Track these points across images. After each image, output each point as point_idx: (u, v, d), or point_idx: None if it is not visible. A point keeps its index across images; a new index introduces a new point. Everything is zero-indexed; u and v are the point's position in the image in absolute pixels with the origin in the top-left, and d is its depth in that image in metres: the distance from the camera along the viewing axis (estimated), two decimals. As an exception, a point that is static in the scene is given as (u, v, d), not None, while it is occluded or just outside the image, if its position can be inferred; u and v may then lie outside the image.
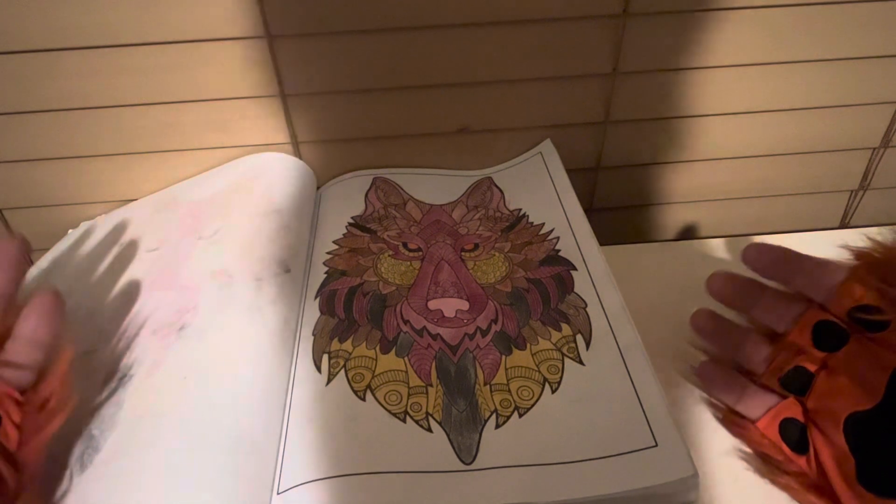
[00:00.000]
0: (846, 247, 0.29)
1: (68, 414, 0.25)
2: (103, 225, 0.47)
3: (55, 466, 0.26)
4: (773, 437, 0.29)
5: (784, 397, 0.29)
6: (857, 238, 0.29)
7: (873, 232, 0.28)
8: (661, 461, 0.26)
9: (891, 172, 0.51)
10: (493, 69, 0.44)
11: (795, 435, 0.28)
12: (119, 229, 0.44)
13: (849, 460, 0.25)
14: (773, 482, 0.28)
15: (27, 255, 0.28)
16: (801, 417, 0.28)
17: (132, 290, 0.37)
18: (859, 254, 0.28)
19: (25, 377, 0.25)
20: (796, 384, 0.28)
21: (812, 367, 0.28)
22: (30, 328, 0.26)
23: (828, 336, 0.27)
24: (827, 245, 0.29)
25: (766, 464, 0.28)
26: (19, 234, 0.31)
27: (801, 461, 0.27)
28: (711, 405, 0.32)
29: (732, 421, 0.30)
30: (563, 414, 0.29)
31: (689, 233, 0.55)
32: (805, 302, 0.29)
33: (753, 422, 0.29)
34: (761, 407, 0.29)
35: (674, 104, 0.46)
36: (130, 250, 0.41)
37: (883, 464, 0.24)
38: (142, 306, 0.36)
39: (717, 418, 0.31)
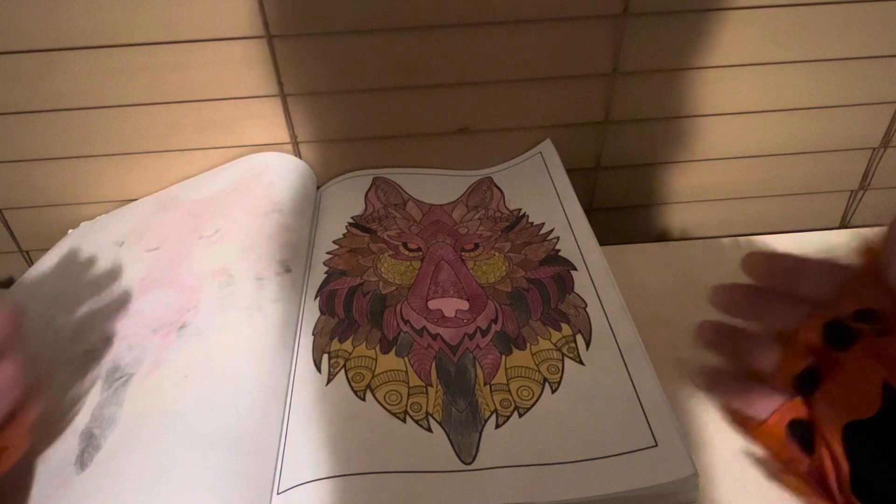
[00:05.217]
0: (845, 247, 0.28)
1: (18, 458, 0.26)
2: (103, 225, 0.47)
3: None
4: (781, 438, 0.28)
5: (793, 398, 0.29)
6: (854, 238, 0.28)
7: (869, 231, 0.28)
8: (661, 461, 0.26)
9: (891, 172, 0.51)
10: (493, 69, 0.44)
11: (803, 435, 0.28)
12: (119, 229, 0.44)
13: (844, 468, 0.25)
14: (782, 482, 0.28)
15: (18, 326, 0.28)
16: (808, 417, 0.28)
17: (133, 289, 0.37)
18: (859, 252, 0.28)
19: None
20: (807, 385, 0.28)
21: (822, 368, 0.28)
22: None
23: (836, 336, 0.27)
24: (827, 245, 0.29)
25: (775, 464, 0.28)
26: (10, 306, 0.32)
27: (809, 461, 0.27)
28: (715, 406, 0.32)
29: (740, 421, 0.30)
30: (563, 414, 0.29)
31: (689, 233, 0.55)
32: (812, 303, 0.29)
33: (762, 423, 0.29)
34: (769, 408, 0.29)
35: (674, 104, 0.46)
36: (131, 250, 0.41)
37: (877, 477, 0.24)
38: (142, 305, 0.36)
39: (726, 420, 0.31)
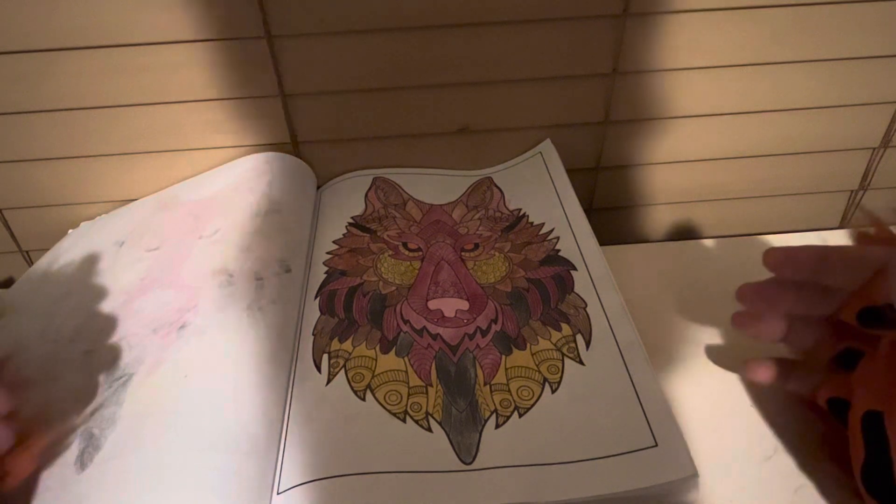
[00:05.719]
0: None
1: (17, 484, 0.27)
2: (103, 225, 0.47)
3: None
4: (826, 413, 0.29)
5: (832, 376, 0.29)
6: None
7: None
8: (661, 461, 0.26)
9: (891, 172, 0.51)
10: (493, 69, 0.44)
11: (840, 413, 0.28)
12: (119, 229, 0.44)
13: (860, 455, 0.25)
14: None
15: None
16: (846, 396, 0.28)
17: (133, 289, 0.37)
18: (857, 240, 0.28)
19: None
20: (846, 363, 0.28)
21: (862, 349, 0.28)
22: None
23: (873, 321, 0.27)
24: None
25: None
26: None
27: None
28: (713, 400, 0.32)
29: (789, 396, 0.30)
30: (563, 414, 0.29)
31: (689, 233, 0.55)
32: (841, 292, 0.28)
33: (806, 398, 0.30)
34: (810, 385, 0.30)
35: (674, 104, 0.46)
36: (131, 249, 0.41)
37: (883, 472, 0.24)
38: (142, 305, 0.36)
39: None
